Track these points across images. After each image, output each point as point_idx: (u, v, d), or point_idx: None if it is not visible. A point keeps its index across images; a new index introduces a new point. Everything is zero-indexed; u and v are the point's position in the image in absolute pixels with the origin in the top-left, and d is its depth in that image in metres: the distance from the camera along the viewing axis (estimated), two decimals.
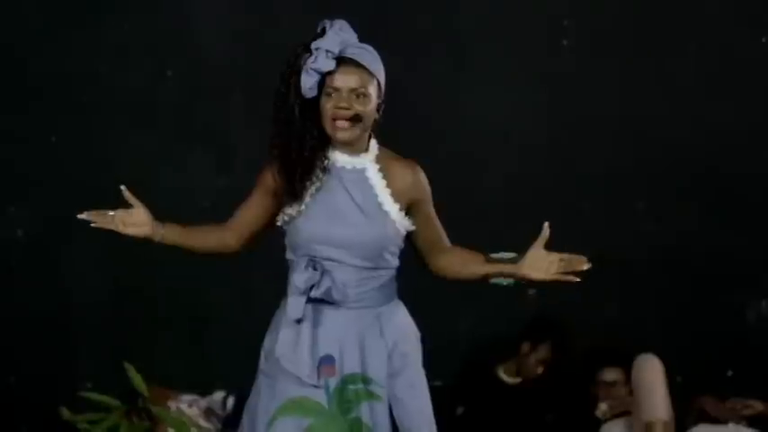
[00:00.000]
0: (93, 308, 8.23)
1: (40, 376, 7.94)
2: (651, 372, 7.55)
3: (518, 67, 8.39)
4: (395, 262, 4.72)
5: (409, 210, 4.71)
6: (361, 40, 4.68)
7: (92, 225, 4.88)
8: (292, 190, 4.63)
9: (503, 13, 8.37)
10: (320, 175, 4.64)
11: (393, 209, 4.65)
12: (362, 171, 4.67)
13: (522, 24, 8.38)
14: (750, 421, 7.66)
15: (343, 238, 4.60)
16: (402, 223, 4.67)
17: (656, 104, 8.40)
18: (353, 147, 4.65)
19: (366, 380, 4.61)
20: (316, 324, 4.63)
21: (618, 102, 8.41)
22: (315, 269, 4.60)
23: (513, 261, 4.59)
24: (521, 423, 7.84)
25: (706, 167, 8.38)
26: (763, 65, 8.47)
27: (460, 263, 4.69)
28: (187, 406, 7.54)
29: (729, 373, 8.29)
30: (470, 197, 8.04)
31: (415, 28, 8.26)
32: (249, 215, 4.77)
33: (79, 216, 4.83)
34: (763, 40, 8.45)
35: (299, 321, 4.61)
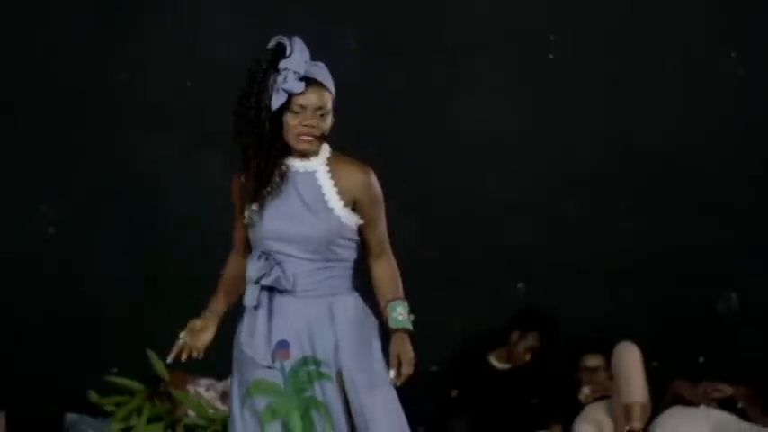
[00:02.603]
0: (118, 299, 8.21)
1: (70, 362, 7.88)
2: (629, 358, 7.58)
3: (509, 77, 8.39)
4: (346, 255, 4.73)
5: (355, 208, 4.71)
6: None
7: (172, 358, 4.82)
8: (253, 194, 4.68)
9: (495, 29, 8.36)
10: (277, 180, 4.66)
11: (338, 205, 4.67)
12: (313, 173, 4.69)
13: (513, 39, 8.38)
14: (720, 403, 7.64)
15: (293, 235, 4.64)
16: (348, 218, 4.69)
17: (635, 113, 8.41)
18: (308, 153, 4.69)
19: (317, 362, 4.62)
20: (272, 312, 4.68)
21: (600, 110, 8.42)
22: (267, 260, 4.66)
23: (392, 323, 4.70)
24: (510, 405, 7.84)
25: (682, 171, 8.40)
26: (732, 76, 8.47)
27: (376, 285, 4.76)
28: (204, 389, 7.54)
29: (701, 359, 8.28)
30: (465, 197, 8.07)
31: (414, 43, 8.25)
32: (241, 233, 4.81)
33: (169, 360, 4.80)
34: (733, 54, 8.47)
35: (256, 309, 4.68)
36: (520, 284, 8.33)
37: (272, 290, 4.68)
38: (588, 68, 8.43)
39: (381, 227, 4.77)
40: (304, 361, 4.63)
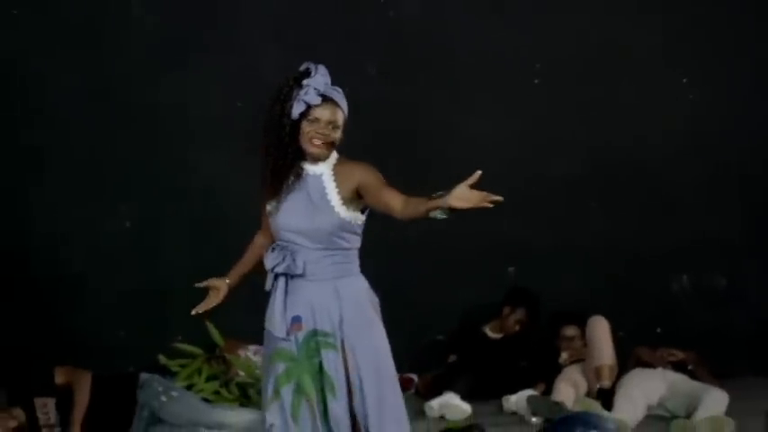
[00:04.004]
0: (182, 279, 7.98)
1: (143, 331, 7.92)
2: (600, 329, 7.59)
3: (500, 98, 8.41)
4: (348, 244, 4.66)
5: (361, 193, 4.61)
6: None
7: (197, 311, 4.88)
8: (273, 189, 4.69)
9: (491, 59, 8.37)
10: (292, 180, 4.65)
11: (338, 204, 4.61)
12: (320, 176, 4.66)
13: (504, 66, 8.39)
14: (674, 366, 7.59)
15: (302, 228, 4.62)
16: (349, 215, 4.63)
17: (603, 127, 8.43)
18: (319, 159, 4.66)
19: (324, 334, 4.60)
20: (288, 293, 4.66)
21: (575, 125, 8.43)
22: (281, 251, 4.65)
23: (441, 196, 4.34)
24: (502, 368, 7.83)
25: (643, 176, 8.44)
26: (684, 99, 8.51)
27: (412, 207, 4.42)
28: (253, 353, 7.47)
29: (659, 330, 8.29)
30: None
31: (423, 70, 8.27)
32: (265, 219, 4.83)
33: (193, 312, 4.85)
34: (684, 80, 8.53)
35: (274, 291, 4.67)
36: (510, 268, 8.37)
37: (287, 275, 4.66)
38: (566, 92, 8.43)
39: (385, 187, 4.56)
40: (313, 333, 4.62)
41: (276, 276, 4.69)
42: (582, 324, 7.78)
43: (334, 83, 4.68)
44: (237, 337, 7.58)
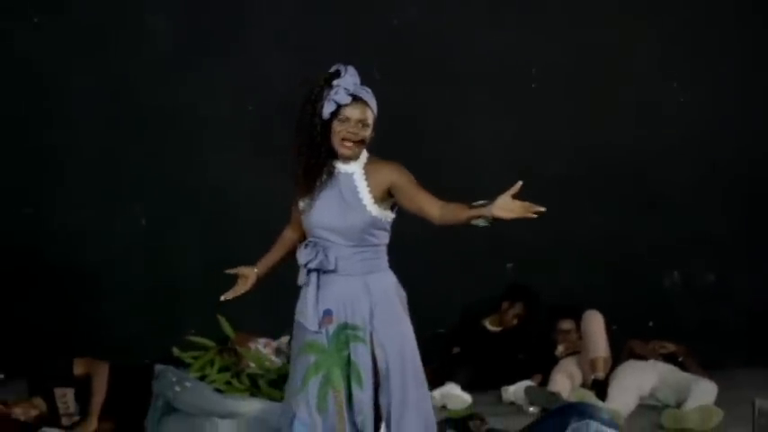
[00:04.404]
0: (195, 275, 8.20)
1: (158, 325, 7.93)
2: (595, 322, 7.59)
3: (499, 102, 8.41)
4: (378, 240, 4.62)
5: (392, 193, 4.56)
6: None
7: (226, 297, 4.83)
8: (306, 186, 4.62)
9: (490, 64, 8.37)
10: (325, 178, 4.59)
11: (370, 203, 4.55)
12: (351, 174, 4.59)
13: (503, 72, 8.40)
14: (665, 358, 7.59)
15: (335, 226, 4.57)
16: (379, 213, 4.58)
17: (597, 129, 8.44)
18: (350, 158, 4.59)
19: (354, 327, 4.56)
20: (320, 287, 4.60)
21: (570, 127, 8.44)
22: (313, 247, 4.59)
23: (484, 205, 4.34)
24: (501, 360, 7.84)
25: (636, 177, 8.43)
26: (674, 102, 8.51)
27: (450, 213, 4.41)
28: (263, 346, 7.43)
29: (651, 323, 8.29)
30: (465, 195, 8.05)
31: (423, 74, 8.26)
32: (295, 214, 4.77)
33: (222, 298, 4.81)
34: (675, 85, 8.52)
35: (306, 286, 4.62)
36: (509, 265, 8.37)
37: (320, 270, 4.60)
38: (561, 96, 8.43)
39: (418, 189, 4.54)
40: (344, 326, 4.57)
41: (309, 271, 4.63)
42: (577, 318, 7.76)
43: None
44: (248, 330, 7.51)
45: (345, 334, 4.58)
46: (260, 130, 8.20)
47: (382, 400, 4.57)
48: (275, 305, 7.85)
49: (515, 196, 4.33)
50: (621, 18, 8.49)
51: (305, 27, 8.32)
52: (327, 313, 4.60)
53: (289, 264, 7.51)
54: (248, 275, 4.84)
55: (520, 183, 4.33)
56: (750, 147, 8.53)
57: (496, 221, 4.32)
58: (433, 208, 4.47)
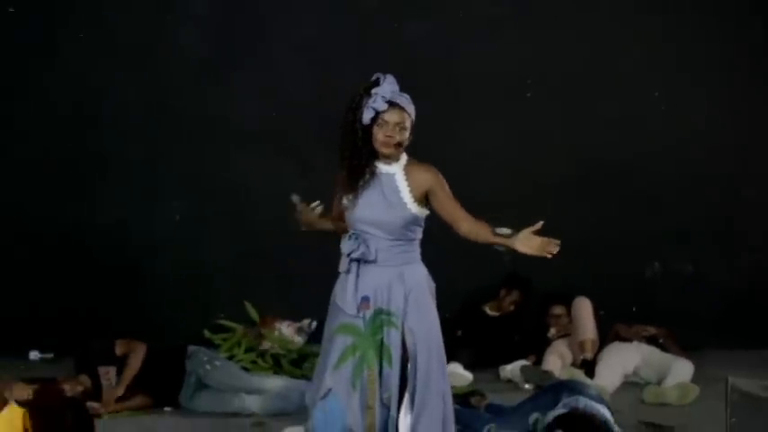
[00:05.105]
0: (224, 265, 8.23)
1: (190, 310, 7.90)
2: (584, 308, 7.60)
3: (496, 109, 8.37)
4: (415, 235, 4.63)
5: (428, 196, 4.61)
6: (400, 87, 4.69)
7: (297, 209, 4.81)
8: (350, 185, 4.61)
9: (489, 75, 8.33)
10: (367, 177, 4.59)
11: (410, 201, 4.58)
12: (393, 175, 4.61)
13: (500, 81, 8.36)
14: (647, 340, 7.58)
15: (376, 221, 4.58)
16: (417, 210, 4.60)
17: (586, 134, 8.40)
18: (391, 159, 4.63)
19: (389, 313, 4.58)
20: (359, 275, 4.61)
21: (562, 132, 8.41)
22: (356, 239, 4.59)
23: (508, 236, 4.46)
24: (498, 342, 7.82)
25: (621, 176, 8.39)
26: (656, 110, 8.48)
27: (475, 232, 4.53)
28: (285, 327, 7.50)
29: (634, 309, 8.22)
30: (466, 191, 8.05)
31: (428, 84, 8.10)
32: (336, 209, 4.79)
33: (293, 198, 4.80)
34: (656, 94, 8.52)
35: (347, 273, 4.62)
36: (506, 257, 8.13)
37: (359, 260, 4.61)
38: (554, 104, 8.40)
39: (452, 200, 4.62)
40: (379, 312, 4.58)
41: (351, 261, 4.63)
42: (568, 304, 7.75)
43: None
44: (272, 313, 7.57)
45: (380, 319, 4.59)
46: (281, 133, 8.21)
47: (408, 380, 4.59)
48: (296, 290, 7.92)
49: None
50: (609, 35, 8.46)
51: (321, 42, 8.30)
52: (365, 300, 4.61)
53: (306, 256, 7.43)
54: (308, 212, 4.85)
55: (541, 222, 4.41)
56: (722, 149, 8.51)
57: (515, 252, 4.42)
58: (463, 223, 4.56)
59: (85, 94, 8.26)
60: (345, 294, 4.62)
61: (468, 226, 4.55)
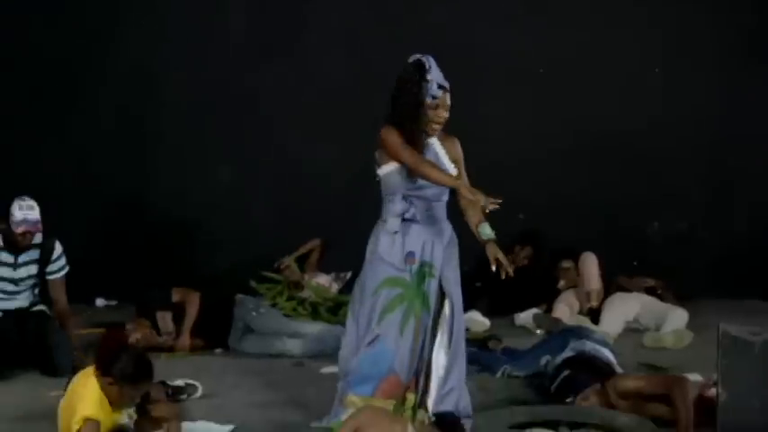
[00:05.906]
0: (269, 224, 8.24)
1: (239, 265, 7.80)
2: (590, 262, 7.59)
3: (512, 89, 8.34)
4: (446, 197, 4.67)
5: (454, 163, 4.67)
6: None
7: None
8: (415, 150, 4.53)
9: (504, 55, 8.32)
10: (420, 147, 4.57)
11: (450, 167, 4.63)
12: (433, 144, 4.64)
13: (515, 65, 8.35)
14: (646, 290, 7.59)
15: (424, 183, 4.57)
16: (454, 173, 4.62)
17: (593, 107, 8.35)
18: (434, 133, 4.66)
19: (430, 266, 4.62)
20: (404, 233, 4.62)
21: (570, 107, 8.35)
22: (406, 201, 4.61)
23: (484, 236, 4.60)
24: (513, 292, 7.58)
25: (624, 146, 8.31)
26: (657, 86, 8.44)
27: (468, 214, 4.69)
28: (322, 278, 7.62)
29: (635, 263, 8.19)
30: (485, 161, 8.00)
31: (450, 64, 8.21)
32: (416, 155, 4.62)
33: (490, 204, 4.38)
34: (657, 70, 8.48)
35: (395, 232, 4.63)
36: (520, 215, 8.29)
37: (404, 219, 4.63)
38: (564, 81, 8.36)
39: (465, 176, 4.71)
40: (422, 264, 4.61)
41: (402, 220, 4.63)
42: (576, 258, 7.74)
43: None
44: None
45: (423, 271, 4.61)
46: (315, 110, 8.23)
47: (443, 320, 4.64)
48: (330, 249, 7.94)
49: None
50: (614, 17, 8.42)
51: (355, 28, 8.30)
52: (411, 255, 4.62)
53: (339, 221, 7.32)
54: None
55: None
56: (715, 121, 8.46)
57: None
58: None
59: (145, 77, 8.33)
60: (394, 250, 4.61)
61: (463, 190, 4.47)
